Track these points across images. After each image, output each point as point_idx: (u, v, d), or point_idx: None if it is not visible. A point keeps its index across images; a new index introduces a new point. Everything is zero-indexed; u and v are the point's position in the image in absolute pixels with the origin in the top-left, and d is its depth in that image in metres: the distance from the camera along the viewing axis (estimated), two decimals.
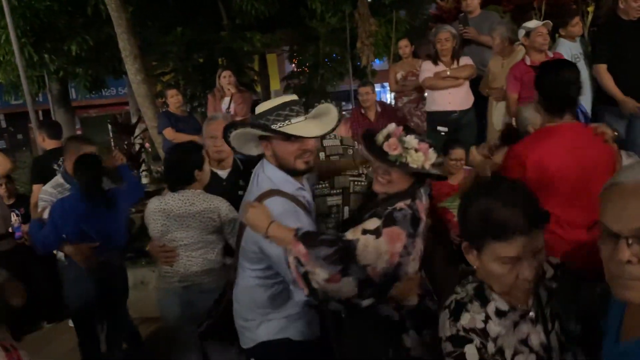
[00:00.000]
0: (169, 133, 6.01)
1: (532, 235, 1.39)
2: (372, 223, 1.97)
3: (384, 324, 2.14)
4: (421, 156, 2.03)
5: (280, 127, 2.10)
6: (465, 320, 1.46)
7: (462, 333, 1.45)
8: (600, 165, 2.45)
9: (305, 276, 1.90)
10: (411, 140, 2.04)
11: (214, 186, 3.24)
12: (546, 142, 2.47)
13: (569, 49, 5.06)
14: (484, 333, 1.46)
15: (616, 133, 3.38)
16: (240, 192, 2.86)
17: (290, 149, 2.14)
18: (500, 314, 1.48)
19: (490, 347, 1.46)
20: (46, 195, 3.86)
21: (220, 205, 2.95)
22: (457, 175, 4.24)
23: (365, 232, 1.94)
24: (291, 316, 2.24)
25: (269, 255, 2.09)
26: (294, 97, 2.22)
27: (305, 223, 2.09)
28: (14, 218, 5.16)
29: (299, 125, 2.12)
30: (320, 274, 1.87)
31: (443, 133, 5.28)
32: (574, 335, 1.50)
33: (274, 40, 10.61)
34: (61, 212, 3.41)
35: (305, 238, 1.93)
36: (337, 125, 2.25)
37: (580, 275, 1.60)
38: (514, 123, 4.65)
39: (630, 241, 1.08)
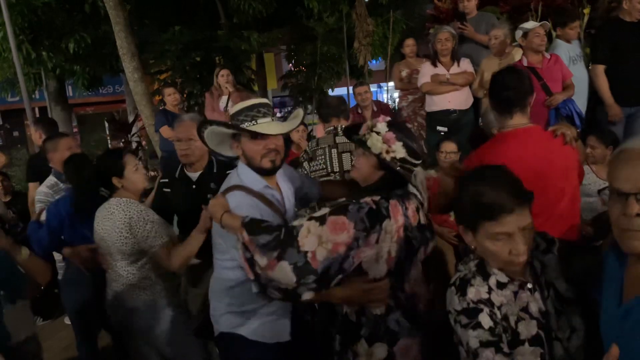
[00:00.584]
0: (165, 131, 6.00)
1: (519, 213, 1.56)
2: (322, 211, 1.97)
3: (341, 322, 2.14)
4: (380, 142, 2.04)
5: (246, 126, 2.20)
6: (471, 293, 1.62)
7: (472, 305, 1.61)
8: (558, 166, 2.43)
9: (251, 261, 1.93)
10: (381, 126, 2.06)
11: (183, 188, 3.22)
12: (500, 148, 2.47)
13: (567, 51, 5.04)
14: (489, 302, 1.62)
15: (578, 130, 3.43)
16: (209, 196, 2.86)
17: (256, 148, 2.22)
18: (500, 285, 1.65)
19: (497, 314, 1.62)
20: (41, 196, 3.88)
21: (135, 215, 2.79)
22: None
23: (311, 218, 1.95)
24: (250, 313, 2.25)
25: (228, 246, 2.18)
26: (265, 100, 2.30)
27: (266, 217, 2.13)
28: (10, 215, 5.15)
29: (263, 125, 2.21)
30: (259, 261, 1.90)
31: (442, 133, 5.30)
32: (568, 300, 1.66)
33: (271, 40, 10.62)
34: (56, 215, 3.37)
35: (249, 225, 1.97)
36: (299, 125, 2.38)
37: (573, 248, 1.78)
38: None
39: (638, 197, 1.27)
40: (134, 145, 8.88)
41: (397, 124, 2.11)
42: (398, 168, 2.04)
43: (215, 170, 3.20)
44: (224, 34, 9.60)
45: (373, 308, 2.05)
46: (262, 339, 2.26)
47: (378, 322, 2.05)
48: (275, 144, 2.24)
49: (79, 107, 16.48)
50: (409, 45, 6.26)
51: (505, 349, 1.55)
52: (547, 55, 4.74)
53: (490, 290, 1.64)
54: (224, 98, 6.26)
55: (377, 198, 1.98)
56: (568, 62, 4.91)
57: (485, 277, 1.65)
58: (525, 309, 1.63)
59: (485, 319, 1.58)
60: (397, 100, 6.82)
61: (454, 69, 5.38)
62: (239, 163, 2.33)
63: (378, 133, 2.04)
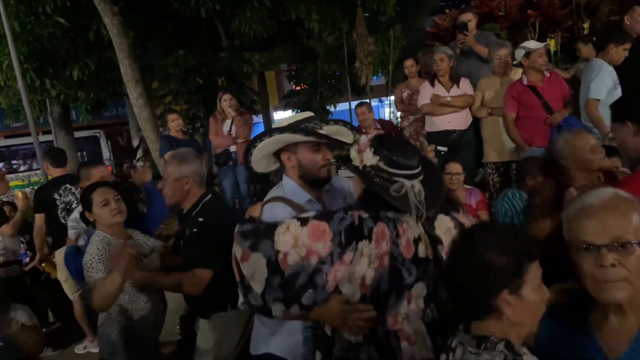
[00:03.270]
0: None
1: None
2: (309, 213, 1.92)
3: (320, 338, 2.03)
4: (356, 152, 1.95)
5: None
6: None
7: None
8: None
9: (236, 260, 1.89)
10: (363, 138, 1.98)
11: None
12: None
13: (611, 76, 4.60)
14: None
15: None
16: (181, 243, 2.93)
17: (317, 158, 2.22)
18: None
19: None
20: (73, 222, 3.93)
21: (89, 250, 2.88)
22: (458, 192, 4.25)
23: (295, 217, 1.90)
24: (276, 332, 2.25)
25: None
26: (311, 113, 2.34)
27: None
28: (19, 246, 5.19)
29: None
30: (237, 252, 1.86)
31: (443, 152, 5.33)
32: None
33: (272, 60, 10.72)
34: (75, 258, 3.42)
35: (244, 219, 1.97)
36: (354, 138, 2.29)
37: None
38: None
39: (610, 248, 1.34)
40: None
41: (383, 136, 2.00)
42: (376, 179, 1.86)
43: (194, 213, 2.88)
44: (226, 56, 9.70)
45: (349, 333, 1.88)
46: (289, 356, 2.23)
47: (349, 349, 1.89)
48: (330, 156, 2.26)
49: (82, 130, 16.55)
50: (408, 66, 6.28)
51: None
52: (547, 74, 4.76)
53: None
54: (228, 122, 6.33)
55: (365, 215, 1.85)
56: (613, 85, 4.59)
57: (518, 357, 1.39)
58: None
59: None
60: (399, 115, 6.82)
61: (454, 90, 5.40)
62: (285, 177, 2.32)
63: (357, 144, 1.96)
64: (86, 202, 2.98)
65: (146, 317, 3.00)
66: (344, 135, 2.26)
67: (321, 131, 2.17)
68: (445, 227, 1.94)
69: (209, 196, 2.94)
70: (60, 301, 5.16)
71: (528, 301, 1.38)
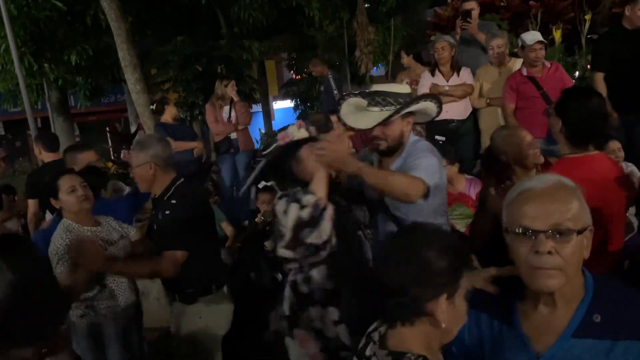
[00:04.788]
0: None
1: None
2: None
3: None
4: None
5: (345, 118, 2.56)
6: None
7: None
8: (618, 195, 2.30)
9: None
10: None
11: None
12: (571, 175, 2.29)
13: None
14: None
15: None
16: (155, 226, 2.93)
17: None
18: None
19: None
20: None
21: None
22: (457, 183, 4.22)
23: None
24: None
25: None
26: (389, 89, 2.51)
27: None
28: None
29: (354, 117, 2.52)
30: None
31: (441, 142, 5.29)
32: None
33: (272, 48, 10.68)
34: (43, 239, 3.22)
35: None
36: (377, 124, 2.44)
37: None
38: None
39: (548, 235, 1.30)
40: None
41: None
42: None
43: (167, 196, 2.85)
44: (226, 43, 9.64)
45: None
46: None
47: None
48: (374, 132, 2.48)
49: (80, 116, 16.51)
50: (403, 57, 6.24)
51: None
52: (548, 64, 4.73)
53: None
54: (226, 108, 6.31)
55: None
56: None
57: None
58: None
59: None
60: None
61: (454, 79, 5.35)
62: None
63: None
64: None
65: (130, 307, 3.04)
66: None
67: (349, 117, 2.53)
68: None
69: (181, 180, 2.91)
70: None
71: (459, 308, 1.38)
